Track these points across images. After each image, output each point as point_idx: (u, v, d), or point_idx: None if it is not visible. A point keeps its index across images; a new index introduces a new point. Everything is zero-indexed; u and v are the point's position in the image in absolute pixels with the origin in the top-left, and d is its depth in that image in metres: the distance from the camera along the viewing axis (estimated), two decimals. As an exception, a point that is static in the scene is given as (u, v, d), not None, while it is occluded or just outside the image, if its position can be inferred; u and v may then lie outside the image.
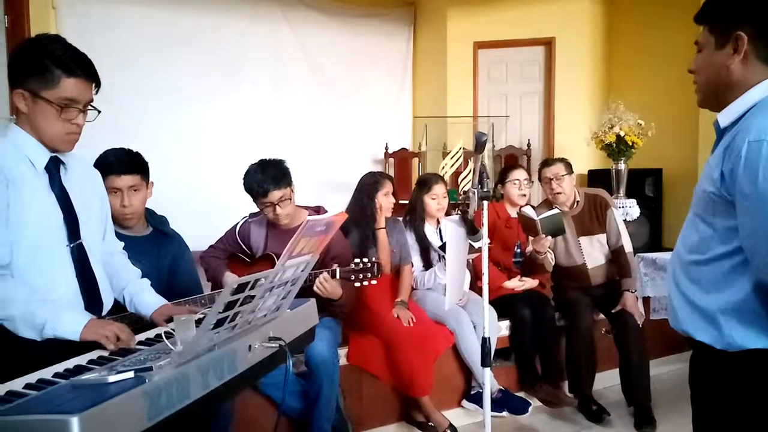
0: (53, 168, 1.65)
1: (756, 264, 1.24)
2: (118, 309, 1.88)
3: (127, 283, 1.89)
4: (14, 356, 1.50)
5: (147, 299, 1.87)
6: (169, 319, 1.77)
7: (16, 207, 1.54)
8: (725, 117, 1.35)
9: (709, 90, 1.38)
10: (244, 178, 2.56)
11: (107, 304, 1.78)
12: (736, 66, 1.31)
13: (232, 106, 5.59)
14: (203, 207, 4.88)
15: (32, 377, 1.30)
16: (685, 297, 1.39)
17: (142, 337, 1.64)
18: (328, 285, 2.44)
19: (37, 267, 1.58)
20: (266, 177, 2.49)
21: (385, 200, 3.07)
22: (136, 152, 2.25)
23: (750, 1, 1.30)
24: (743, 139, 1.22)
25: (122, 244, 1.99)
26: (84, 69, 1.60)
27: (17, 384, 1.26)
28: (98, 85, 1.66)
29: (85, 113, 1.64)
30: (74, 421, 0.98)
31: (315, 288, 2.42)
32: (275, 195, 2.51)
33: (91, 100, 1.65)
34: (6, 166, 1.55)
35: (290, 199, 2.56)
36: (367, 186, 3.09)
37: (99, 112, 1.66)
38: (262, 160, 2.57)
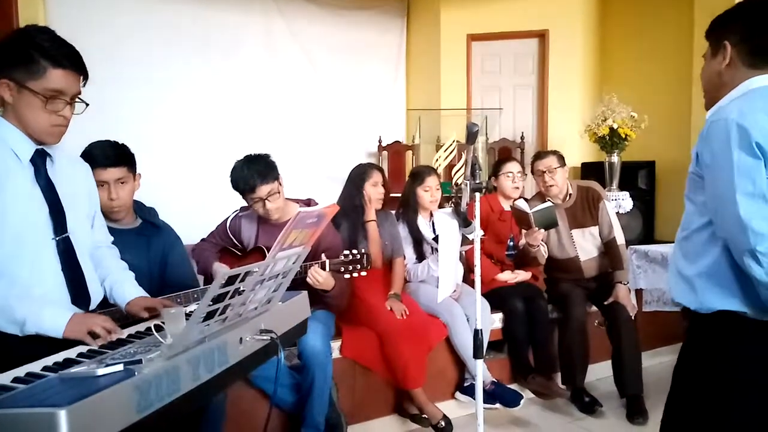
0: (39, 160, 1.63)
1: (717, 224, 1.43)
2: (108, 303, 1.86)
3: (110, 273, 1.86)
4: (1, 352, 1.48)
5: (125, 290, 1.83)
6: (148, 309, 1.76)
7: (0, 199, 1.52)
8: (711, 112, 1.54)
9: (708, 92, 1.59)
10: (230, 176, 2.55)
11: (95, 298, 1.75)
12: (724, 70, 1.52)
13: (224, 98, 5.55)
14: (194, 200, 4.86)
15: (20, 371, 1.28)
16: (677, 270, 1.57)
17: (132, 330, 1.63)
18: (320, 277, 2.44)
19: (21, 260, 1.56)
20: (252, 173, 2.48)
21: (373, 190, 3.06)
22: (122, 144, 2.22)
23: (733, 17, 1.53)
24: (708, 121, 1.45)
25: (112, 238, 1.96)
26: (71, 61, 1.58)
27: (5, 377, 1.25)
28: (86, 77, 1.63)
29: (72, 106, 1.61)
30: (62, 414, 0.97)
31: (308, 279, 2.41)
32: (263, 190, 2.50)
33: (79, 93, 1.62)
34: None
35: (279, 193, 2.55)
36: (356, 176, 3.09)
37: (87, 104, 1.64)
38: (247, 156, 2.56)
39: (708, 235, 1.47)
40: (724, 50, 1.51)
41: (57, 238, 1.63)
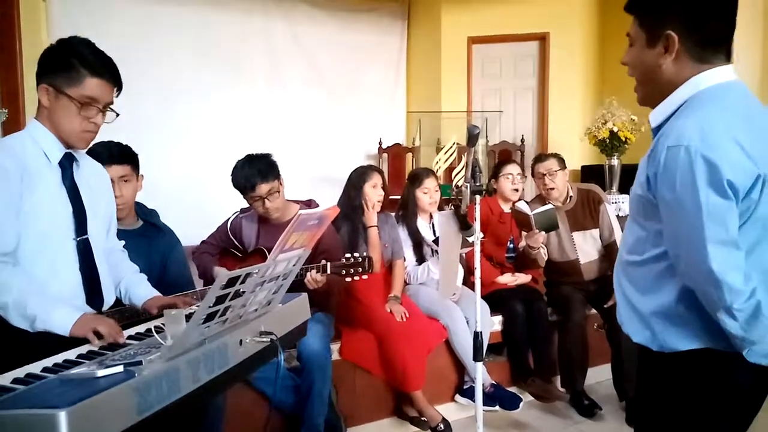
0: (66, 163, 1.70)
1: (680, 270, 1.26)
2: (116, 303, 1.88)
3: (124, 276, 1.92)
4: (9, 346, 1.51)
5: (140, 291, 1.89)
6: (161, 308, 1.78)
7: (29, 199, 1.59)
8: (655, 117, 1.34)
9: (646, 88, 1.37)
10: (231, 174, 2.57)
11: (108, 300, 1.80)
12: (668, 65, 1.28)
13: (226, 100, 5.56)
14: (196, 202, 4.85)
15: (20, 372, 1.28)
16: (625, 297, 1.41)
17: (132, 331, 1.63)
18: (319, 282, 2.43)
19: (43, 258, 1.62)
20: (253, 171, 2.50)
21: (372, 192, 3.06)
22: (125, 145, 2.27)
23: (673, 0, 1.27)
24: (663, 144, 1.22)
25: (123, 242, 2.01)
26: (108, 71, 1.67)
27: (5, 378, 1.25)
28: (120, 88, 1.72)
29: (104, 114, 1.69)
30: (62, 416, 0.97)
31: (306, 281, 2.41)
32: (263, 188, 2.51)
33: (111, 102, 1.70)
34: (23, 158, 1.60)
35: (279, 192, 2.56)
36: (355, 178, 3.10)
37: (117, 114, 1.72)
38: (248, 155, 2.58)
39: (662, 268, 1.30)
40: (667, 42, 1.26)
41: (78, 239, 1.69)
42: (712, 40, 1.27)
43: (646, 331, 1.35)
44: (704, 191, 1.16)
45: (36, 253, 1.61)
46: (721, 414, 1.30)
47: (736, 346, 1.23)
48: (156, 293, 1.91)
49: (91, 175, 1.81)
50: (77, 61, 1.62)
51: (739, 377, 1.27)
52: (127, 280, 1.92)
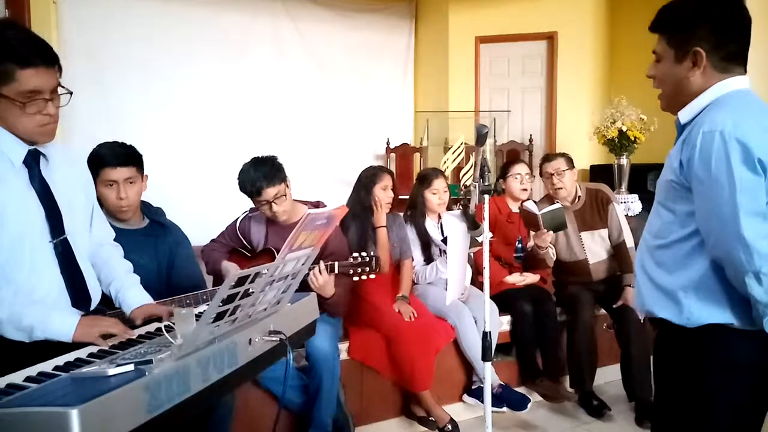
0: (32, 162, 1.56)
1: (711, 243, 1.38)
2: (111, 304, 1.85)
3: (115, 277, 1.81)
4: (6, 356, 1.45)
5: (131, 296, 1.78)
6: (147, 320, 1.72)
7: None
8: (685, 114, 1.49)
9: (672, 98, 1.52)
10: (238, 179, 2.55)
11: (95, 299, 1.72)
12: (695, 77, 1.44)
13: (233, 99, 5.59)
14: (202, 201, 4.88)
15: (32, 370, 1.29)
16: (650, 279, 1.52)
17: (142, 330, 1.63)
18: (320, 278, 2.42)
19: (19, 265, 1.52)
20: (259, 175, 2.48)
21: (382, 194, 3.05)
22: (130, 145, 2.22)
23: (705, 18, 1.42)
24: (698, 130, 1.38)
25: (114, 234, 1.94)
26: (40, 56, 1.45)
27: (17, 377, 1.26)
28: (60, 69, 1.51)
29: (55, 100, 1.52)
30: (74, 414, 0.97)
31: (309, 280, 2.40)
32: (269, 193, 2.50)
33: (58, 85, 1.52)
34: None
35: (285, 195, 2.55)
36: (365, 179, 3.09)
37: (71, 93, 1.53)
38: (254, 158, 2.56)
39: (691, 246, 1.43)
40: (695, 57, 1.42)
41: (55, 241, 1.58)
42: (734, 54, 1.44)
43: (672, 306, 1.45)
44: (738, 169, 1.31)
45: (11, 262, 1.49)
46: (738, 388, 1.40)
47: (757, 313, 1.33)
48: (147, 299, 1.79)
49: (65, 168, 1.66)
50: (1, 54, 1.40)
51: (757, 353, 1.39)
52: (118, 282, 1.79)
